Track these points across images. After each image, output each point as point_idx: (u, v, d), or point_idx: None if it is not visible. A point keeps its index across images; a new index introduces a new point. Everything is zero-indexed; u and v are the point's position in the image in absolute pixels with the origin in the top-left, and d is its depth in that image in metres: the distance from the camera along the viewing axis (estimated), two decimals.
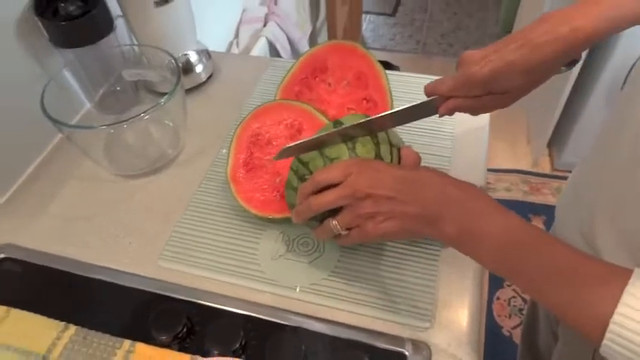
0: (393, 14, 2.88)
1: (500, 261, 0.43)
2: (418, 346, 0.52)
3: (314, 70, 0.71)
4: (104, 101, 0.83)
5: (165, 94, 0.66)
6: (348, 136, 0.55)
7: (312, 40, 1.79)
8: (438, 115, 0.56)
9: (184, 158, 0.76)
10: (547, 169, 2.02)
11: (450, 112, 0.56)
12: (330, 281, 0.59)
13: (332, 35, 1.85)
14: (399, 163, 0.55)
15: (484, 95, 0.53)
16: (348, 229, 0.51)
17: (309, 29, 1.71)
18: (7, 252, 0.64)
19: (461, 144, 0.73)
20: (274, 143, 0.68)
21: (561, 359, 0.68)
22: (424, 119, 0.58)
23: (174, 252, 0.64)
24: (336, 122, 0.56)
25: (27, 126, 0.73)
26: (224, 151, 0.75)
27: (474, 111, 0.56)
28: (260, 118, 0.70)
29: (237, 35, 1.36)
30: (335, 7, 1.75)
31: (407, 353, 0.52)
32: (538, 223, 1.81)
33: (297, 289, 0.59)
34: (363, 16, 2.69)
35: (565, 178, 1.92)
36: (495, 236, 0.42)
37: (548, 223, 1.79)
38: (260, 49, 1.34)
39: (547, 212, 1.84)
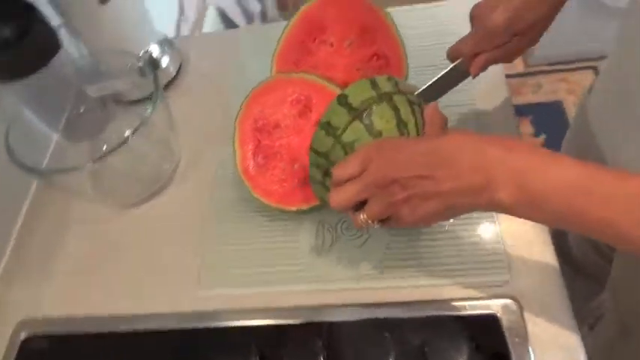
0: None
1: (566, 217, 0.37)
2: (505, 302, 0.49)
3: (310, 31, 0.62)
4: (71, 127, 0.73)
5: (137, 101, 0.57)
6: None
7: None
8: (471, 77, 0.54)
9: (184, 170, 0.68)
10: (521, 68, 1.99)
11: (483, 69, 0.53)
12: (389, 260, 0.54)
13: None
14: (424, 122, 0.49)
15: (510, 40, 0.50)
16: (382, 220, 0.45)
17: None
18: (27, 329, 0.57)
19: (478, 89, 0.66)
20: (282, 125, 0.61)
21: (618, 285, 0.66)
22: None
23: (211, 276, 0.57)
24: (340, 97, 0.49)
25: None
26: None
27: (507, 59, 0.53)
28: (260, 100, 0.61)
29: (182, 12, 1.22)
30: None
31: (498, 314, 0.48)
32: (525, 124, 1.80)
33: (358, 279, 0.54)
34: None
35: (541, 72, 1.90)
36: (558, 191, 0.36)
37: (535, 121, 1.77)
38: (212, 20, 1.22)
39: (532, 111, 1.82)
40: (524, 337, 0.47)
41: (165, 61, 0.76)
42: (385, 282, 0.53)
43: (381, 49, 0.60)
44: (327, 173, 0.50)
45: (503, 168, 0.38)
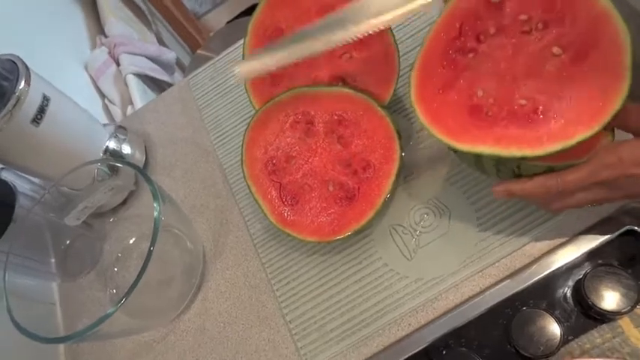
0: None
1: None
2: (635, 211, 0.43)
3: (269, 41, 0.54)
4: (64, 266, 0.63)
5: (118, 207, 0.49)
6: None
7: (161, 40, 1.54)
8: None
9: (214, 251, 0.59)
10: None
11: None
12: (483, 232, 0.48)
13: (170, 20, 1.61)
14: None
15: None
16: None
17: (152, 36, 1.46)
18: None
19: None
20: (294, 154, 0.53)
21: None
22: None
23: (309, 343, 0.49)
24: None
25: None
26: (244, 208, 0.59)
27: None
28: (258, 142, 0.54)
29: (103, 95, 1.12)
30: None
31: (638, 229, 0.43)
32: None
33: (465, 265, 0.47)
34: None
35: None
36: None
37: None
38: (135, 87, 1.11)
39: None
40: None
41: (127, 150, 0.66)
42: (497, 253, 0.47)
43: None
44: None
45: None
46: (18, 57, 0.55)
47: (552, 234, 0.46)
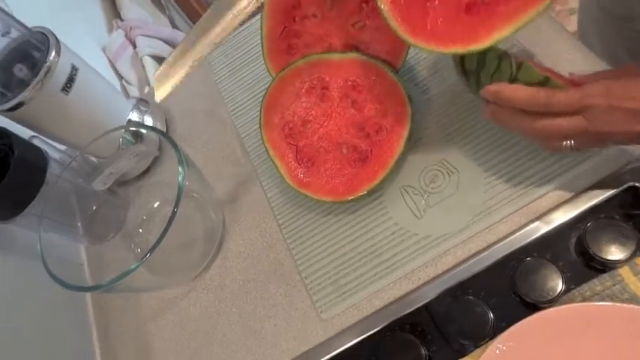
0: None
1: None
2: (635, 170, 0.45)
3: (286, 13, 0.56)
4: (92, 230, 0.66)
5: (142, 175, 0.52)
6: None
7: (174, 24, 1.57)
8: None
9: (233, 214, 0.62)
10: None
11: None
12: (492, 190, 0.50)
13: (183, 4, 1.63)
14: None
15: None
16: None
17: (166, 19, 1.49)
18: None
19: None
20: (311, 118, 0.56)
21: None
22: None
23: (324, 297, 0.52)
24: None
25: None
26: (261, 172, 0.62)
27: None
28: (275, 107, 0.56)
29: (120, 77, 1.15)
30: None
31: (636, 184, 0.45)
32: None
33: (472, 223, 0.50)
34: None
35: None
36: None
37: None
38: (152, 67, 1.14)
39: None
40: None
41: (149, 121, 0.69)
42: (504, 211, 0.49)
43: None
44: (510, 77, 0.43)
45: None
46: (49, 29, 0.58)
47: (557, 192, 0.48)
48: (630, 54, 0.64)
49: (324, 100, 0.56)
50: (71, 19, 1.15)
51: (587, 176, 0.47)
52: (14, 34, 0.58)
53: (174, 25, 1.54)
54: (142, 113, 0.69)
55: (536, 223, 0.47)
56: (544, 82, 0.41)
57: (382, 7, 0.44)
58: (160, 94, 0.52)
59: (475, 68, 0.45)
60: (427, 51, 0.43)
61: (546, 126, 0.41)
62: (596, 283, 0.43)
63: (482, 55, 0.43)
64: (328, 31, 0.57)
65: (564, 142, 0.41)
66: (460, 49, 0.42)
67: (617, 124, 0.38)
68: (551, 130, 0.41)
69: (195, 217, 0.62)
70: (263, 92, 0.57)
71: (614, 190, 0.46)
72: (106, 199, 0.66)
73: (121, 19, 1.28)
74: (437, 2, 0.43)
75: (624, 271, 0.43)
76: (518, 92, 0.41)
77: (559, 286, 0.43)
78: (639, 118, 0.37)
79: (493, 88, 0.42)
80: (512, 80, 0.42)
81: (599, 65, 0.53)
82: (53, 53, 0.55)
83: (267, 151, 0.56)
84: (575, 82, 0.42)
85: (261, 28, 0.58)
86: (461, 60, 0.47)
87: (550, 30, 0.57)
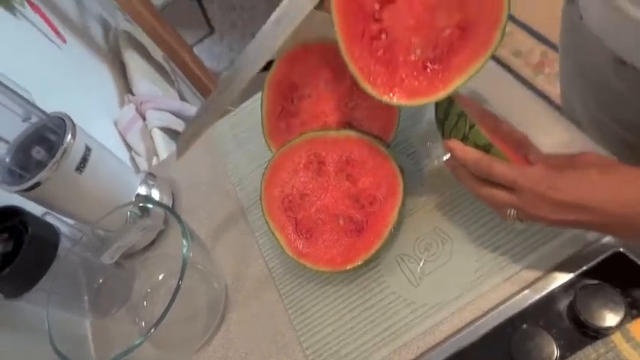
0: (211, 31, 2.78)
1: None
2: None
3: (284, 95, 0.61)
4: (97, 304, 0.68)
5: (147, 247, 0.54)
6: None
7: (183, 97, 1.66)
8: None
9: (235, 284, 0.63)
10: None
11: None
12: (484, 259, 0.52)
13: (191, 78, 1.73)
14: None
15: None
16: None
17: (175, 92, 1.58)
18: None
19: None
20: (308, 192, 0.59)
21: None
22: None
23: None
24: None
25: None
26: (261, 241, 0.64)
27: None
28: (274, 181, 0.60)
29: (130, 148, 1.20)
30: (177, 55, 1.63)
31: (623, 250, 0.46)
32: None
33: (468, 290, 0.51)
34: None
35: None
36: None
37: None
38: (160, 139, 1.20)
39: None
40: None
41: (156, 194, 0.73)
42: (496, 279, 0.50)
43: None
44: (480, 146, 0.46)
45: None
46: (66, 114, 0.62)
47: (546, 259, 0.50)
48: (612, 118, 0.67)
49: (321, 174, 0.59)
50: (87, 96, 1.23)
51: (576, 244, 0.49)
52: (34, 119, 0.63)
53: (182, 98, 1.62)
54: (150, 187, 0.73)
55: (527, 291, 0.48)
56: (487, 149, 0.45)
57: (353, 72, 0.50)
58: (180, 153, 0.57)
59: (442, 118, 0.50)
60: (396, 104, 0.49)
61: (488, 194, 0.44)
62: (591, 351, 0.44)
63: (448, 108, 0.48)
64: (323, 110, 0.61)
65: (508, 211, 0.44)
66: (423, 100, 0.48)
67: (544, 210, 0.41)
68: (492, 199, 0.44)
69: (199, 289, 0.63)
70: (265, 165, 0.60)
71: (601, 256, 0.47)
72: (113, 272, 0.68)
73: (132, 94, 1.36)
74: (400, 67, 0.49)
75: (617, 338, 0.43)
76: (468, 154, 0.45)
77: (554, 353, 0.44)
78: (561, 209, 0.40)
79: (450, 144, 0.47)
80: (464, 138, 0.47)
81: (580, 137, 0.56)
82: (69, 136, 0.60)
83: (267, 223, 0.58)
84: (527, 160, 0.46)
85: (261, 109, 0.62)
86: (435, 108, 0.52)
87: (532, 102, 0.61)
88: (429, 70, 0.48)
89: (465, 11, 0.47)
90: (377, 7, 0.50)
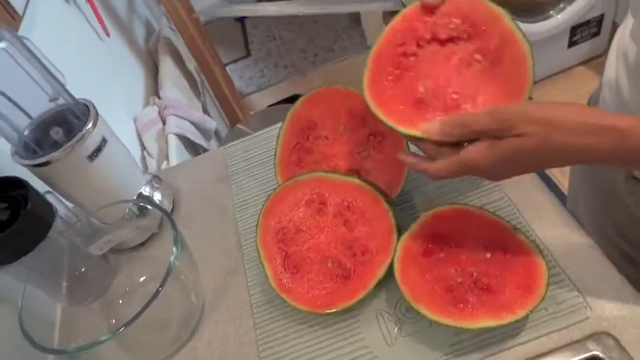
0: (248, 54, 2.86)
1: None
2: (600, 339, 0.47)
3: (302, 131, 0.63)
4: (74, 291, 0.67)
5: (136, 247, 0.55)
6: None
7: (206, 110, 1.69)
8: None
9: (213, 303, 0.63)
10: None
11: None
12: (465, 337, 0.52)
13: (218, 94, 1.78)
14: None
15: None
16: None
17: (199, 104, 1.62)
18: None
19: None
20: (304, 228, 0.60)
21: None
22: None
23: None
24: None
25: None
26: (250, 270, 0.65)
27: None
28: (274, 211, 0.61)
29: (143, 146, 1.23)
30: (210, 70, 1.68)
31: (601, 355, 0.46)
32: None
33: (446, 355, 0.50)
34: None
35: None
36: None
37: None
38: (175, 145, 1.22)
39: None
40: None
41: (158, 197, 0.74)
42: (470, 357, 0.50)
43: (373, 127, 0.61)
44: None
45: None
46: (92, 102, 0.64)
47: (525, 348, 0.49)
48: (617, 232, 0.68)
49: (320, 214, 0.60)
50: (115, 89, 1.26)
51: (554, 340, 0.49)
52: (61, 101, 0.65)
53: (205, 111, 1.66)
54: (154, 189, 0.74)
55: None
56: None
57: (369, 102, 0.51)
58: None
59: None
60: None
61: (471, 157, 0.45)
62: None
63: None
64: (336, 153, 0.63)
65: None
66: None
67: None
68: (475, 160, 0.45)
69: (177, 299, 0.63)
70: (268, 194, 0.61)
71: (579, 358, 0.47)
72: (97, 263, 0.68)
73: (159, 97, 1.39)
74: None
75: None
76: (446, 122, 0.46)
77: None
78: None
79: (424, 125, 0.48)
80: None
81: (585, 240, 0.56)
82: (90, 124, 0.62)
83: (257, 250, 0.59)
84: None
85: (278, 138, 0.64)
86: None
87: (539, 192, 0.62)
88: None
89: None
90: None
